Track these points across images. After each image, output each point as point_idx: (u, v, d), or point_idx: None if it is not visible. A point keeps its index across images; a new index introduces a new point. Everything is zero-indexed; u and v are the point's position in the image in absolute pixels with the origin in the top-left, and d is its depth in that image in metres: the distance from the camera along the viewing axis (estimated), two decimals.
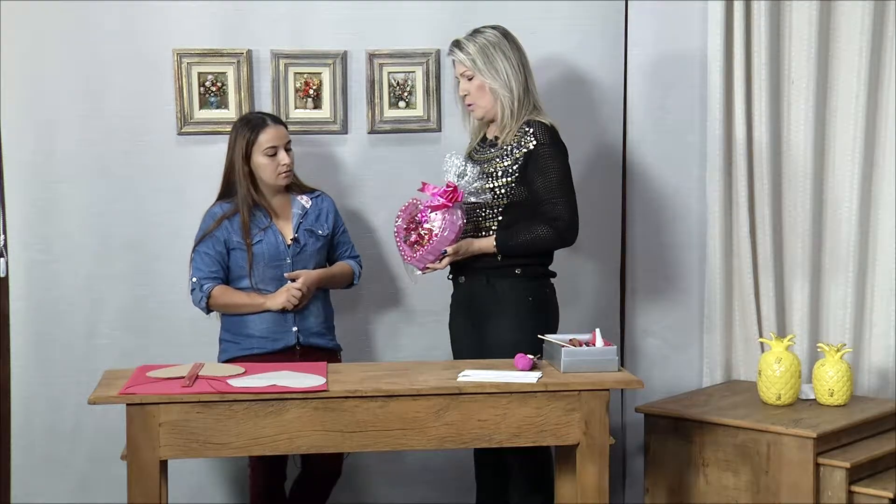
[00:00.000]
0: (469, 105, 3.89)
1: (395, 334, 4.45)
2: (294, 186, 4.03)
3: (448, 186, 3.73)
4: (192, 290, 3.91)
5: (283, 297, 3.87)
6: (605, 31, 4.46)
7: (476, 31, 3.86)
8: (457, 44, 3.86)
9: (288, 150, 3.94)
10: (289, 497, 4.07)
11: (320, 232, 4.00)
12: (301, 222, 3.97)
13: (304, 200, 4.02)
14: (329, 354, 3.99)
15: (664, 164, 4.55)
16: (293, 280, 3.89)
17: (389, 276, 4.42)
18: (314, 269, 3.97)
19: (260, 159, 3.89)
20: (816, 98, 4.41)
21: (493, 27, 3.86)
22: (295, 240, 3.94)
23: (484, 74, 3.80)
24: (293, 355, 3.90)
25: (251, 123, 3.91)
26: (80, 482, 4.29)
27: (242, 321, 3.91)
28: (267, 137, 3.89)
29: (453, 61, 3.91)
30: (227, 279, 3.93)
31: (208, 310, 3.94)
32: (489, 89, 3.81)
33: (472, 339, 3.91)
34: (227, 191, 3.95)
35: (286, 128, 3.98)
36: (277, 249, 3.92)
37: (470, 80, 3.84)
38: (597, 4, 4.44)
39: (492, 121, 3.91)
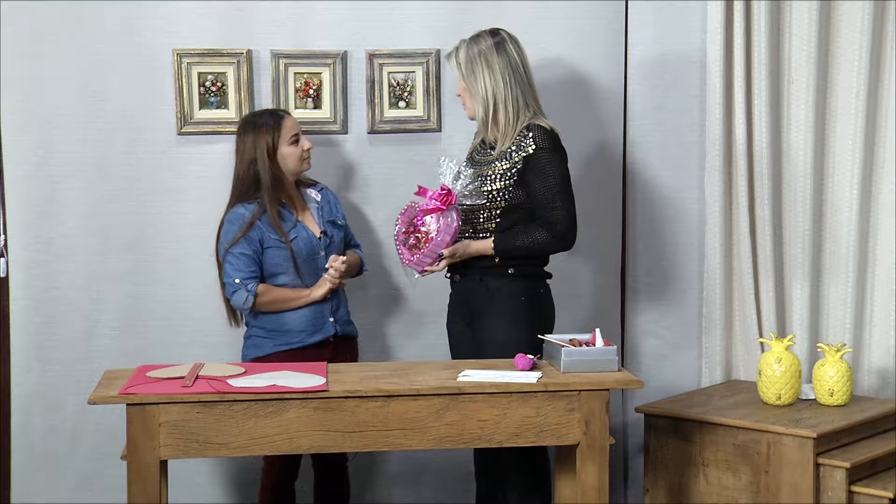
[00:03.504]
0: (463, 105, 3.94)
1: (395, 334, 4.45)
2: (299, 181, 4.05)
3: (442, 189, 3.75)
4: (234, 291, 3.85)
5: (326, 285, 3.90)
6: (605, 31, 4.46)
7: (474, 37, 3.86)
8: (456, 47, 3.88)
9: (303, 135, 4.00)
10: None
11: (339, 222, 4.05)
12: (321, 215, 4.00)
13: (314, 193, 4.05)
14: (352, 342, 4.07)
15: (664, 164, 4.55)
16: (331, 266, 3.90)
17: (389, 276, 4.42)
18: None
19: (285, 148, 3.91)
20: (816, 98, 4.41)
21: (491, 34, 3.85)
22: (324, 233, 3.97)
23: (468, 83, 3.84)
24: (327, 346, 3.93)
25: (269, 115, 3.94)
26: (80, 482, 4.29)
27: (281, 317, 3.90)
28: (289, 125, 3.93)
29: None
30: (262, 278, 3.92)
31: (252, 309, 3.90)
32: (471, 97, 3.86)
33: (467, 338, 3.92)
34: (243, 192, 3.92)
35: None
36: (311, 243, 3.94)
37: (461, 83, 3.89)
38: (597, 4, 4.44)
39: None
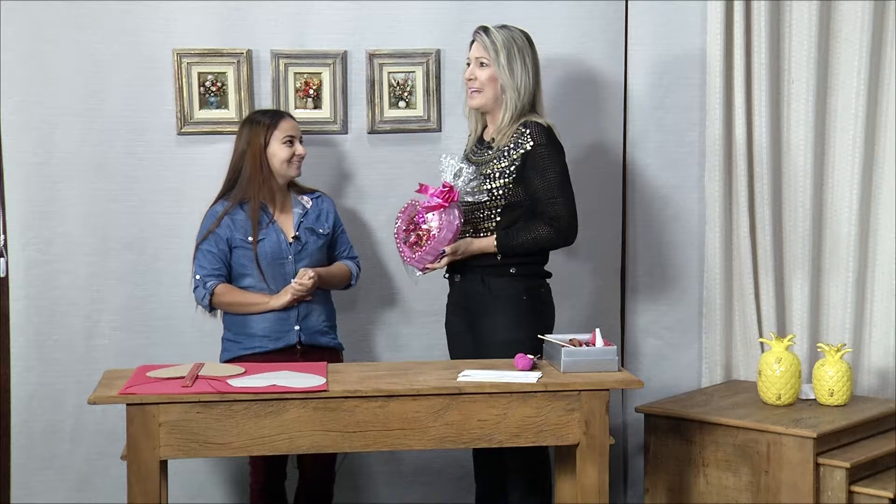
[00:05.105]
0: (472, 91, 3.86)
1: (395, 334, 4.45)
2: (295, 187, 4.04)
3: (444, 186, 3.74)
4: (196, 287, 3.91)
5: (287, 296, 3.86)
6: (605, 31, 4.46)
7: (505, 27, 3.84)
8: (485, 29, 3.82)
9: (301, 143, 3.99)
10: None
11: (321, 231, 4.01)
12: (302, 221, 3.98)
13: (305, 201, 4.04)
14: (331, 353, 3.99)
15: (664, 163, 4.55)
16: (299, 280, 3.87)
17: (389, 276, 4.42)
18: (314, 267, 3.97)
19: (276, 148, 3.91)
20: (816, 98, 4.41)
21: (520, 30, 3.85)
22: (296, 238, 3.95)
23: (502, 70, 3.79)
24: (294, 354, 3.91)
25: (269, 114, 3.97)
26: (80, 482, 4.29)
27: (245, 320, 3.91)
28: (286, 126, 3.93)
29: (471, 43, 3.87)
30: (229, 277, 3.93)
31: (211, 308, 3.94)
32: (500, 86, 3.81)
33: (467, 339, 3.91)
34: (231, 184, 3.95)
35: None
36: (279, 248, 3.92)
37: (482, 66, 3.82)
38: (597, 4, 4.44)
39: (486, 113, 3.90)
